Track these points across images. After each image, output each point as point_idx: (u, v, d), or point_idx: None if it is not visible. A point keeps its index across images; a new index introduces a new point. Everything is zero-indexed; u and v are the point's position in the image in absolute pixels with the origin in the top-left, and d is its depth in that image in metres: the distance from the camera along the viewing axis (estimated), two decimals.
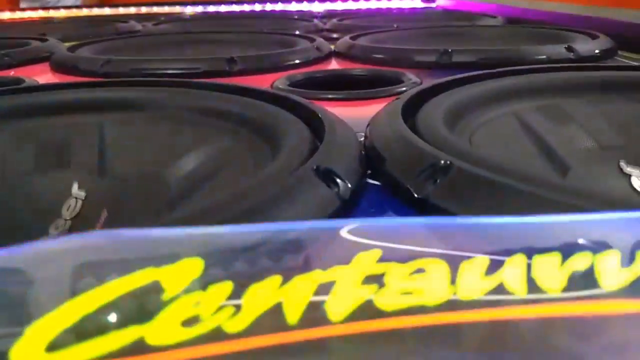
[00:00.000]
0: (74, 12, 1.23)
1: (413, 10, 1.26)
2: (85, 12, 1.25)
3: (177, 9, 1.32)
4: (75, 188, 0.29)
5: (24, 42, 0.60)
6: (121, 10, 1.29)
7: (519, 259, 0.11)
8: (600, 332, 0.09)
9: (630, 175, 0.31)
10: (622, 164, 0.32)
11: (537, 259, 0.11)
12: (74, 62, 0.48)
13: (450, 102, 0.30)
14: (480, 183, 0.18)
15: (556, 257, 0.11)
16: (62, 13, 1.20)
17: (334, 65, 0.55)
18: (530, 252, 0.11)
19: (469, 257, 0.12)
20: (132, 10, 1.30)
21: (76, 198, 0.29)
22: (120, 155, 0.31)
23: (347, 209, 0.19)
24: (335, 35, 0.74)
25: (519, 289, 0.10)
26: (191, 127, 0.31)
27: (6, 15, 1.20)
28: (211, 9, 1.32)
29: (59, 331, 0.10)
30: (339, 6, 1.34)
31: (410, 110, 0.29)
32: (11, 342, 0.10)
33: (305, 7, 1.31)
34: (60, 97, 0.33)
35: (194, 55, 0.56)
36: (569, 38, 0.57)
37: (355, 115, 0.33)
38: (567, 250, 0.12)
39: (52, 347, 0.09)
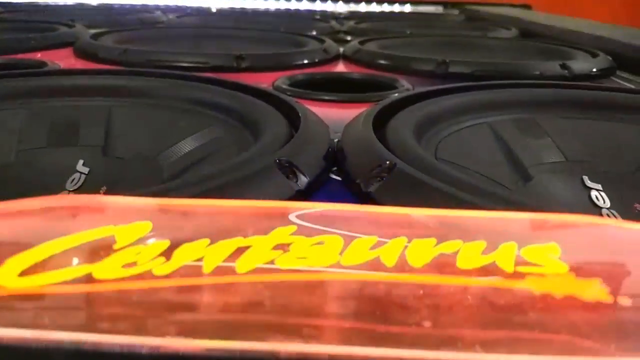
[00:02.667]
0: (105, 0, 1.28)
1: (435, 16, 1.28)
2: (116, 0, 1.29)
3: (204, 1, 1.36)
4: (80, 164, 0.33)
5: (53, 27, 0.64)
6: (150, 1, 1.33)
7: (400, 241, 0.14)
8: (440, 296, 0.12)
9: (590, 190, 0.33)
10: (585, 178, 0.34)
11: (415, 241, 0.14)
12: (94, 49, 0.52)
13: (425, 110, 0.32)
14: (413, 183, 0.20)
15: (431, 241, 0.14)
16: (93, 1, 1.25)
17: (340, 67, 0.58)
18: (411, 236, 0.14)
19: (362, 237, 0.14)
20: (161, 0, 1.34)
21: (80, 173, 0.32)
22: (123, 138, 0.34)
23: (302, 198, 0.22)
24: (349, 38, 0.76)
25: (389, 261, 0.13)
26: (187, 116, 0.34)
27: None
28: (237, 3, 1.36)
29: (30, 264, 0.13)
30: (362, 8, 1.36)
31: (388, 115, 0.32)
32: None
33: (329, 6, 1.34)
34: (74, 81, 0.37)
35: (207, 50, 0.60)
36: (569, 55, 0.59)
37: (342, 116, 0.36)
38: (441, 238, 0.14)
39: (23, 273, 0.12)
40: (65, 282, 0.12)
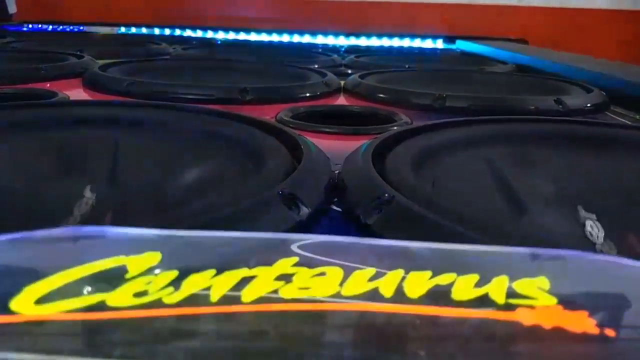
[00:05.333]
0: (113, 30, 1.31)
1: (433, 51, 1.31)
2: (123, 30, 1.33)
3: (209, 34, 1.40)
4: (87, 191, 0.34)
5: (62, 57, 0.66)
6: (157, 31, 1.37)
7: (398, 272, 0.15)
8: (435, 326, 0.13)
9: (584, 222, 0.34)
10: (579, 210, 0.34)
11: (411, 274, 0.15)
12: (103, 81, 0.53)
13: (422, 144, 0.33)
14: (411, 216, 0.21)
15: (427, 274, 0.15)
16: (100, 30, 1.29)
17: (341, 100, 0.59)
18: (408, 269, 0.15)
19: (361, 268, 0.15)
20: (167, 32, 1.38)
21: (87, 200, 0.33)
22: (130, 167, 0.35)
23: (303, 228, 0.23)
24: (350, 71, 0.78)
25: (387, 293, 0.14)
26: (193, 146, 0.35)
27: (50, 28, 1.29)
28: (242, 36, 1.39)
29: (46, 292, 0.14)
30: (362, 42, 1.39)
31: (388, 148, 0.33)
32: (13, 297, 0.13)
33: (331, 41, 1.37)
34: (83, 112, 0.38)
35: (213, 82, 0.61)
36: (564, 90, 0.60)
37: (343, 148, 0.37)
38: (437, 270, 0.15)
39: (39, 301, 0.13)
40: (80, 310, 0.13)
